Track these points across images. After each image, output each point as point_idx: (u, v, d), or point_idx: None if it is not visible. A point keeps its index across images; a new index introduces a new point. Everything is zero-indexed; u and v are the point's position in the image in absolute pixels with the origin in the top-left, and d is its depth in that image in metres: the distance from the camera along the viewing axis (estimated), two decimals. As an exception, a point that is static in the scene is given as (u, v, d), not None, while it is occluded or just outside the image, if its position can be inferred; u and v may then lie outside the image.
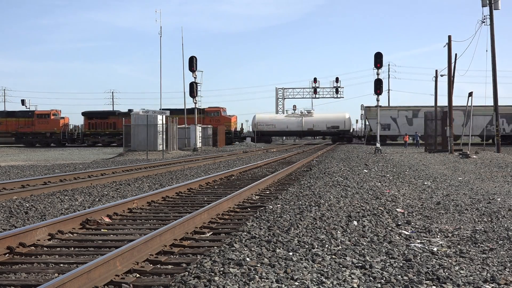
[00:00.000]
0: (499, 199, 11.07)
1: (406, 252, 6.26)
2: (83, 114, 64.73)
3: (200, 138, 50.49)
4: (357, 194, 11.50)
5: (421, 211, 9.61)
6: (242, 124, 70.79)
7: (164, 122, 41.56)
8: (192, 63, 45.21)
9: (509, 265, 5.79)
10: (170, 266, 5.84)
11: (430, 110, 65.17)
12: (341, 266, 5.55)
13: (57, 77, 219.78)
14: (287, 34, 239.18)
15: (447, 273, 5.33)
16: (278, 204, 9.89)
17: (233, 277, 5.06)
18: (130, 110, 63.36)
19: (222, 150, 45.84)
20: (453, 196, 11.71)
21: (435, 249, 6.50)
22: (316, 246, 6.38)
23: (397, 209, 9.59)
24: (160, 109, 44.45)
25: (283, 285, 4.89)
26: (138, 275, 5.47)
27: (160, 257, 6.10)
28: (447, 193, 12.20)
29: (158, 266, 5.85)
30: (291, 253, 6.01)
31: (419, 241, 7.03)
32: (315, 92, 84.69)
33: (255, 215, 8.73)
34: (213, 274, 5.16)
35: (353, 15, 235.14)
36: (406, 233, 7.49)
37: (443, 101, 62.62)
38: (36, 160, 32.15)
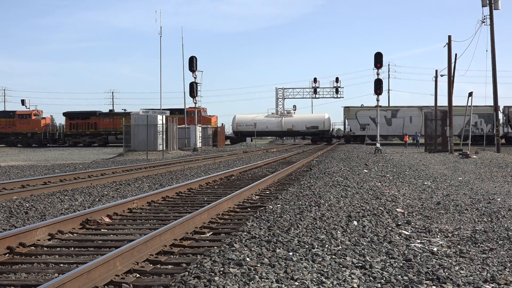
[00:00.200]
0: (499, 199, 11.07)
1: (406, 252, 6.26)
2: (64, 114, 64.75)
3: (200, 138, 50.50)
4: (357, 194, 11.50)
5: (421, 211, 9.61)
6: (222, 124, 70.72)
7: (164, 122, 41.57)
8: (192, 63, 45.22)
9: (509, 265, 5.79)
10: (170, 266, 5.84)
11: (409, 110, 66.13)
12: (341, 266, 5.55)
13: (57, 77, 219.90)
14: (287, 34, 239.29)
15: (447, 273, 5.33)
16: (278, 204, 9.89)
17: (233, 277, 5.06)
18: (111, 110, 63.54)
19: (222, 150, 45.85)
20: (453, 196, 11.71)
21: (435, 249, 6.50)
22: (316, 246, 6.38)
23: (397, 209, 9.59)
24: (160, 109, 44.38)
25: (283, 285, 4.89)
26: (138, 275, 5.47)
27: (160, 257, 6.10)
28: (447, 193, 12.20)
29: (158, 266, 5.85)
30: (291, 253, 6.01)
31: (419, 241, 7.03)
32: (315, 92, 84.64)
33: (255, 215, 8.73)
34: (213, 274, 5.16)
35: (353, 15, 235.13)
36: (406, 233, 7.49)
37: (443, 101, 62.76)
38: (36, 160, 32.15)
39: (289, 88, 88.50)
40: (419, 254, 6.19)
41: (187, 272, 5.25)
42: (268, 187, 13.75)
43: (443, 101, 67.12)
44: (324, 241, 6.66)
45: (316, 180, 14.55)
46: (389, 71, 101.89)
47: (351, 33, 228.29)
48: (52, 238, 7.25)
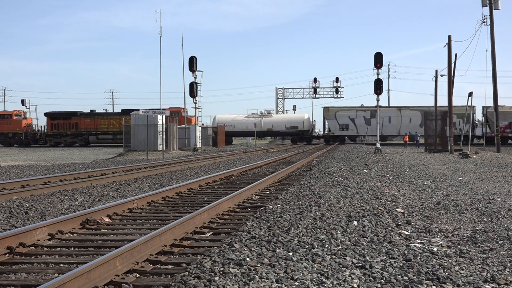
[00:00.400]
0: (499, 199, 11.07)
1: (406, 252, 6.26)
2: (46, 114, 64.84)
3: (200, 138, 50.52)
4: (357, 194, 11.50)
5: (421, 211, 9.61)
6: (203, 124, 70.82)
7: (164, 122, 41.56)
8: (192, 63, 45.22)
9: (509, 265, 5.79)
10: (170, 266, 5.84)
11: (388, 111, 66.73)
12: (341, 266, 5.55)
13: (57, 77, 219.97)
14: (287, 34, 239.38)
15: (447, 273, 5.33)
16: (278, 204, 9.89)
17: (233, 277, 5.06)
18: (92, 111, 63.66)
19: (222, 150, 45.86)
20: (453, 196, 11.71)
21: (435, 249, 6.50)
22: (316, 246, 6.38)
23: (397, 209, 9.59)
24: (160, 109, 44.38)
25: (283, 285, 4.89)
26: (138, 275, 5.47)
27: (160, 257, 6.10)
28: (447, 193, 12.20)
29: (158, 266, 5.85)
30: (291, 253, 6.01)
31: (419, 241, 7.03)
32: (315, 92, 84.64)
33: (255, 215, 8.73)
34: (213, 274, 5.16)
35: (353, 15, 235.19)
36: (406, 233, 7.49)
37: (443, 101, 62.89)
38: (36, 160, 32.15)
39: (289, 88, 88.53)
40: (419, 254, 6.19)
41: (187, 272, 5.25)
42: (268, 187, 13.75)
43: (443, 101, 67.30)
44: (324, 241, 6.66)
45: (316, 180, 14.55)
46: (389, 71, 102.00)
47: (351, 33, 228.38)
48: (52, 238, 7.25)
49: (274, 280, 5.02)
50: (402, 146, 56.92)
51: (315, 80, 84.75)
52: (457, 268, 5.60)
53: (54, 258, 6.24)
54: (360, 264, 5.59)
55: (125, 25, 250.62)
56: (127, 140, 41.23)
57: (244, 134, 72.66)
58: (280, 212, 8.87)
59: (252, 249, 6.18)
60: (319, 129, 76.99)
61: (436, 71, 46.73)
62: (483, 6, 36.86)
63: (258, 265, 5.51)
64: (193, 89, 45.48)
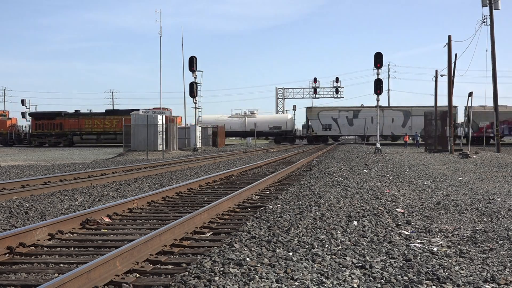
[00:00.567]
0: (499, 199, 11.07)
1: (406, 252, 6.25)
2: (30, 115, 65.03)
3: (200, 138, 50.51)
4: (357, 194, 11.50)
5: (421, 211, 9.61)
6: (187, 124, 70.95)
7: (164, 122, 41.55)
8: (192, 63, 45.19)
9: (509, 265, 5.79)
10: (170, 266, 5.84)
11: (370, 111, 67.31)
12: (341, 266, 5.55)
13: (57, 77, 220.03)
14: (287, 34, 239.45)
15: (447, 273, 5.33)
16: (278, 204, 9.89)
17: (233, 277, 5.06)
18: (76, 111, 63.73)
19: (222, 150, 45.85)
20: (453, 196, 11.71)
21: (435, 249, 6.50)
22: (316, 246, 6.38)
23: (397, 209, 9.59)
24: (160, 109, 44.37)
25: (283, 285, 4.89)
26: (138, 275, 5.47)
27: (160, 257, 6.10)
28: (447, 193, 12.20)
29: (158, 266, 5.84)
30: (291, 253, 6.01)
31: (419, 241, 7.03)
32: (315, 92, 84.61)
33: (255, 215, 8.73)
34: (213, 274, 5.16)
35: (353, 15, 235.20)
36: (406, 233, 7.49)
37: (443, 101, 63.04)
38: (36, 160, 32.15)
39: (289, 88, 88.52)
40: (419, 254, 6.19)
41: (187, 272, 5.25)
42: (268, 187, 13.75)
43: (443, 101, 67.49)
44: (324, 241, 6.66)
45: (316, 180, 14.55)
46: (389, 71, 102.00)
47: (351, 33, 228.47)
48: (52, 238, 7.25)
49: (274, 280, 5.02)
50: (401, 146, 56.87)
51: (315, 80, 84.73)
52: (457, 268, 5.60)
53: (54, 258, 6.24)
54: (360, 264, 5.59)
55: (125, 25, 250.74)
56: (127, 140, 41.22)
57: (228, 134, 72.92)
58: (280, 212, 8.87)
59: (252, 249, 6.18)
60: (299, 129, 77.07)
61: (436, 71, 46.76)
62: (483, 6, 36.86)
63: (258, 265, 5.51)
64: (193, 89, 45.46)
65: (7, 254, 6.31)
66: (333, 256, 5.94)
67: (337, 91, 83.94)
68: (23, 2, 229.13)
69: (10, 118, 66.39)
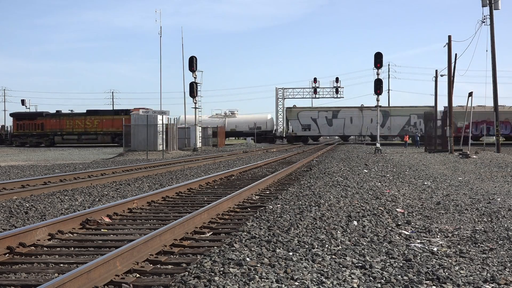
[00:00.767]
0: (499, 199, 11.07)
1: (406, 252, 6.25)
2: (12, 115, 65.14)
3: (200, 138, 50.50)
4: (357, 194, 11.50)
5: (421, 211, 9.61)
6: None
7: (164, 122, 41.53)
8: (192, 63, 45.17)
9: (509, 265, 5.79)
10: (170, 266, 5.84)
11: (349, 111, 68.00)
12: (341, 266, 5.55)
13: (57, 77, 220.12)
14: (287, 34, 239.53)
15: (447, 273, 5.33)
16: (278, 204, 9.89)
17: (233, 277, 5.06)
18: (58, 111, 63.85)
19: (222, 150, 45.85)
20: (453, 196, 11.71)
21: (435, 249, 6.50)
22: (316, 246, 6.38)
23: (397, 209, 9.59)
24: (160, 109, 44.35)
25: (283, 285, 4.89)
26: (138, 275, 5.47)
27: (160, 257, 6.10)
28: (447, 193, 12.20)
29: (158, 266, 5.84)
30: (291, 253, 6.01)
31: (419, 241, 7.03)
32: (315, 92, 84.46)
33: (255, 215, 8.73)
34: (213, 274, 5.16)
35: (353, 15, 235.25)
36: (406, 233, 7.49)
37: (443, 101, 63.32)
38: (36, 160, 32.15)
39: (289, 88, 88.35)
40: (419, 254, 6.19)
41: (187, 272, 5.25)
42: (268, 187, 13.75)
43: (443, 101, 67.69)
44: (324, 241, 6.66)
45: (316, 180, 14.55)
46: (389, 71, 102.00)
47: (351, 33, 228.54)
48: (52, 238, 7.25)
49: (274, 280, 5.02)
50: (401, 146, 56.90)
51: (315, 80, 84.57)
52: (457, 268, 5.60)
53: (54, 258, 6.24)
54: (360, 264, 5.59)
55: (125, 25, 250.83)
56: (127, 140, 41.22)
57: None
58: (280, 212, 8.87)
59: (252, 249, 6.18)
60: (278, 129, 77.21)
61: (436, 71, 46.76)
62: (483, 6, 36.85)
63: (258, 265, 5.51)
64: (193, 89, 45.44)
65: (7, 254, 6.31)
66: (333, 256, 5.94)
67: (337, 91, 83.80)
68: (23, 2, 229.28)
69: None
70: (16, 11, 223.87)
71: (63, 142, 61.23)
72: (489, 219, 8.64)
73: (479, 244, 6.83)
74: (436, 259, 5.95)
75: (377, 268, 5.46)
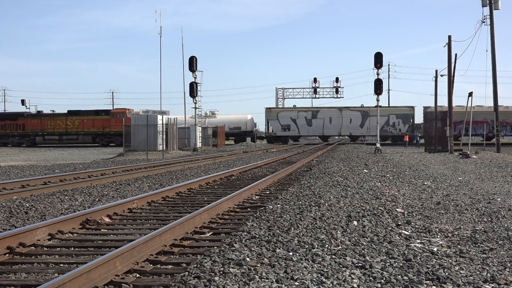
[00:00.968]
0: (499, 199, 11.07)
1: (406, 252, 6.25)
2: None
3: (200, 138, 50.50)
4: (357, 194, 11.50)
5: (421, 211, 9.61)
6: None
7: (164, 122, 41.51)
8: (192, 63, 45.15)
9: (509, 265, 5.79)
10: (170, 266, 5.84)
11: (329, 111, 68.45)
12: (341, 266, 5.55)
13: (57, 77, 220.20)
14: (287, 34, 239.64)
15: (447, 273, 5.33)
16: (278, 204, 9.89)
17: (233, 277, 5.06)
18: (39, 111, 63.81)
19: (222, 150, 45.84)
20: (453, 196, 11.71)
21: (435, 249, 6.50)
22: (316, 246, 6.38)
23: (397, 209, 9.59)
24: (160, 110, 44.33)
25: (283, 285, 4.89)
26: (138, 275, 5.47)
27: (160, 257, 6.10)
28: (447, 193, 12.20)
29: (158, 266, 5.84)
30: (291, 253, 6.01)
31: (419, 241, 7.03)
32: (315, 92, 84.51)
33: (255, 215, 8.73)
34: (213, 274, 5.16)
35: (353, 15, 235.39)
36: (406, 233, 7.49)
37: (443, 101, 63.40)
38: (36, 160, 32.15)
39: (289, 88, 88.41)
40: (419, 254, 6.19)
41: (187, 272, 5.25)
42: (268, 187, 13.75)
43: (443, 101, 67.79)
44: (324, 241, 6.66)
45: (316, 180, 14.55)
46: (389, 71, 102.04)
47: (351, 33, 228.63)
48: (52, 238, 7.25)
49: (274, 280, 5.02)
50: (401, 146, 56.90)
51: (315, 80, 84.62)
52: (457, 268, 5.60)
53: (54, 258, 6.24)
54: (360, 264, 5.59)
55: (125, 25, 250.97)
56: (127, 140, 41.21)
57: None
58: (280, 212, 8.87)
59: (252, 249, 6.18)
60: (261, 129, 77.43)
61: (436, 71, 46.68)
62: (483, 6, 36.85)
63: (258, 265, 5.51)
64: (193, 89, 45.42)
65: (7, 254, 6.31)
66: (333, 256, 5.94)
67: (337, 91, 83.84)
68: (23, 2, 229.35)
69: None
70: (16, 11, 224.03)
71: (44, 143, 61.32)
72: (489, 219, 8.64)
73: (479, 244, 6.83)
74: (436, 259, 5.95)
75: (377, 268, 5.46)
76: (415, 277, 5.19)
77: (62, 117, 61.28)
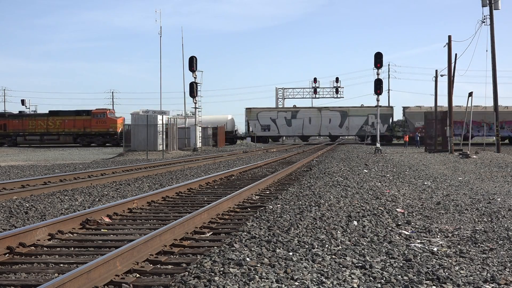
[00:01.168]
0: (499, 199, 11.07)
1: (406, 252, 6.25)
2: None
3: (200, 138, 50.51)
4: (357, 194, 11.50)
5: (421, 211, 9.61)
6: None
7: (164, 122, 41.51)
8: (192, 63, 45.16)
9: (509, 265, 5.79)
10: (170, 266, 5.84)
11: (308, 111, 69.24)
12: (341, 266, 5.55)
13: (57, 77, 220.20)
14: (287, 34, 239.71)
15: (447, 273, 5.33)
16: (278, 204, 9.89)
17: (233, 277, 5.06)
18: (21, 112, 63.86)
19: (222, 150, 45.85)
20: (453, 196, 11.71)
21: (435, 249, 6.50)
22: (316, 246, 6.38)
23: (397, 209, 9.58)
24: (160, 110, 44.34)
25: (283, 285, 4.89)
26: (138, 275, 5.47)
27: (160, 257, 6.10)
28: (447, 193, 12.20)
29: (158, 266, 5.84)
30: (291, 253, 6.01)
31: (419, 241, 7.03)
32: (315, 92, 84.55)
33: (255, 215, 8.73)
34: (213, 274, 5.16)
35: (353, 15, 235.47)
36: (406, 233, 7.49)
37: (443, 101, 63.40)
38: (36, 160, 32.15)
39: (289, 88, 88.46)
40: (419, 254, 6.19)
41: (187, 272, 5.25)
42: (268, 187, 13.75)
43: (443, 101, 67.72)
44: (324, 241, 6.66)
45: (316, 180, 14.55)
46: (389, 71, 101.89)
47: (351, 33, 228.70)
48: (52, 238, 7.25)
49: (274, 280, 5.02)
50: (401, 146, 56.89)
51: (315, 80, 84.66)
52: (457, 268, 5.60)
53: (54, 258, 6.24)
54: (360, 264, 5.59)
55: (125, 25, 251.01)
56: (127, 140, 41.20)
57: None
58: (280, 212, 8.87)
59: (252, 249, 6.18)
60: (240, 129, 77.32)
61: (436, 71, 46.72)
62: (483, 6, 36.86)
63: (258, 265, 5.51)
64: (193, 89, 45.43)
65: (7, 254, 6.31)
66: (333, 256, 5.94)
67: (337, 91, 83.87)
68: (23, 2, 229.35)
69: None
70: (16, 11, 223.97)
71: (25, 143, 61.36)
72: (489, 219, 8.64)
73: (479, 244, 6.83)
74: (436, 259, 5.95)
75: (377, 268, 5.46)
76: (415, 277, 5.19)
77: (43, 117, 61.24)
